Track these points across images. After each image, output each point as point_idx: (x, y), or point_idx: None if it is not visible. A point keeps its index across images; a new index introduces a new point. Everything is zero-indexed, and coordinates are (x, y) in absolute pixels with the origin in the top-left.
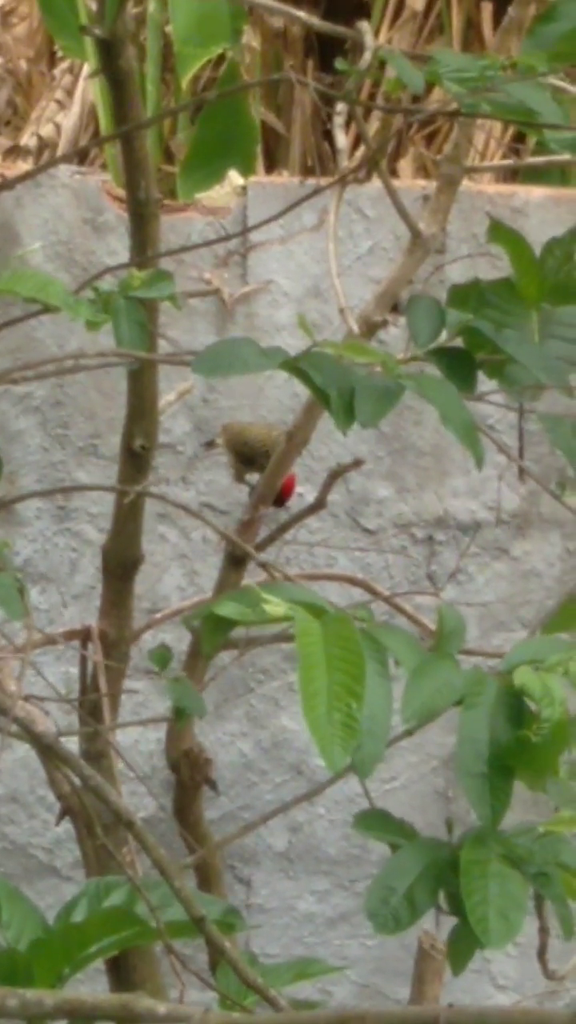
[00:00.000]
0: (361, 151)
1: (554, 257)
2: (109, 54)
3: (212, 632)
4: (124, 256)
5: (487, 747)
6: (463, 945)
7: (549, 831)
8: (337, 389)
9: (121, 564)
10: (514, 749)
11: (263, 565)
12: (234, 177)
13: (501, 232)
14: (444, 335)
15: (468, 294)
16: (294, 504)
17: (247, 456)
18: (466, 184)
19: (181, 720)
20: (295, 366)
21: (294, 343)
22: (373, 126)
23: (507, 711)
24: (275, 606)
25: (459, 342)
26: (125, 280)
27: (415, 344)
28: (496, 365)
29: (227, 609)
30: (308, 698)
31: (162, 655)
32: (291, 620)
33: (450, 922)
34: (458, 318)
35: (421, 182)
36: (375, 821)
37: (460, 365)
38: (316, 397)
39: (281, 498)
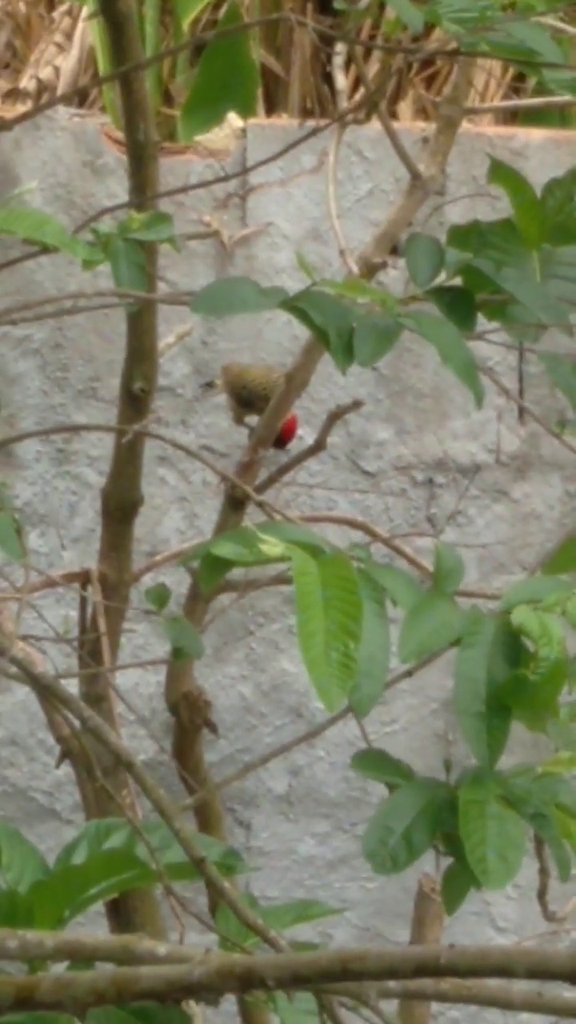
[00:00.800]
0: (361, 92)
1: (554, 197)
2: None
3: (209, 572)
4: (123, 198)
5: (484, 686)
6: (457, 885)
7: (547, 772)
8: (336, 328)
9: (121, 507)
10: (512, 688)
11: (261, 505)
12: (233, 119)
13: (502, 172)
14: (443, 275)
15: (468, 235)
16: (294, 447)
17: (246, 398)
18: (466, 126)
19: (180, 660)
20: (294, 305)
21: (293, 285)
22: (373, 67)
23: (505, 650)
24: (272, 546)
25: (458, 282)
26: (124, 222)
27: (414, 284)
28: (496, 306)
29: (224, 549)
30: (305, 638)
31: (160, 594)
32: (288, 560)
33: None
34: (457, 257)
35: (421, 124)
36: (373, 761)
37: (459, 304)
38: (315, 336)
39: (283, 439)
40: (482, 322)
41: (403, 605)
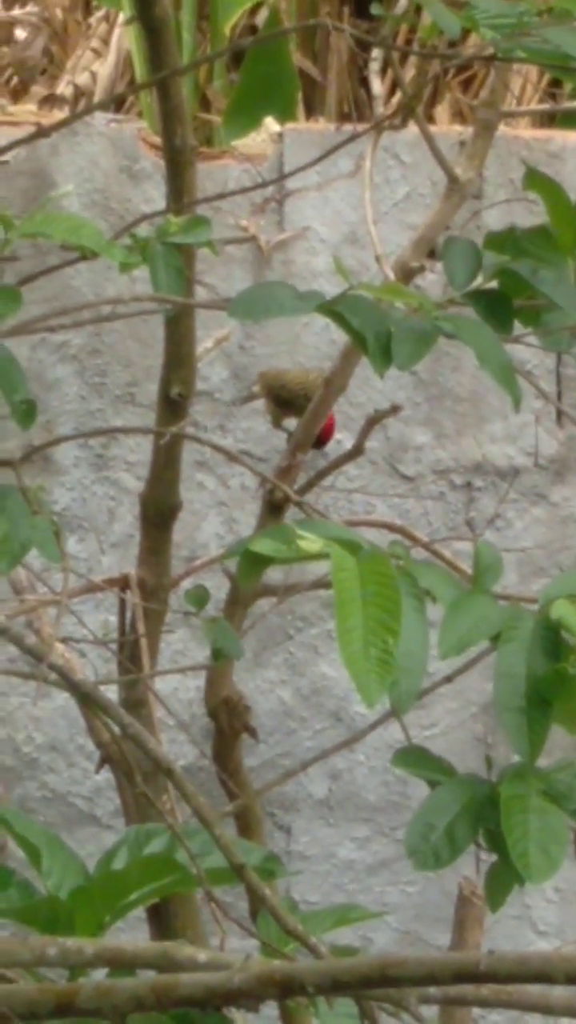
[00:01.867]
0: (397, 97)
1: None
2: (144, 2)
3: (248, 569)
4: (160, 204)
5: (524, 681)
6: (500, 883)
7: None
8: (374, 332)
9: (159, 512)
10: (552, 682)
11: (300, 505)
12: (270, 124)
13: (537, 179)
14: (480, 279)
15: (504, 241)
16: (332, 451)
17: (285, 399)
18: (503, 129)
19: (219, 661)
20: (332, 309)
21: (331, 289)
22: (409, 72)
23: (544, 645)
24: (311, 543)
25: (495, 285)
26: (162, 226)
27: (452, 286)
28: (532, 312)
29: (263, 545)
30: (344, 634)
31: (199, 596)
32: (327, 557)
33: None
34: (494, 261)
35: (457, 127)
36: (414, 758)
37: (497, 307)
38: (353, 340)
39: (321, 440)
40: (519, 325)
41: (442, 601)
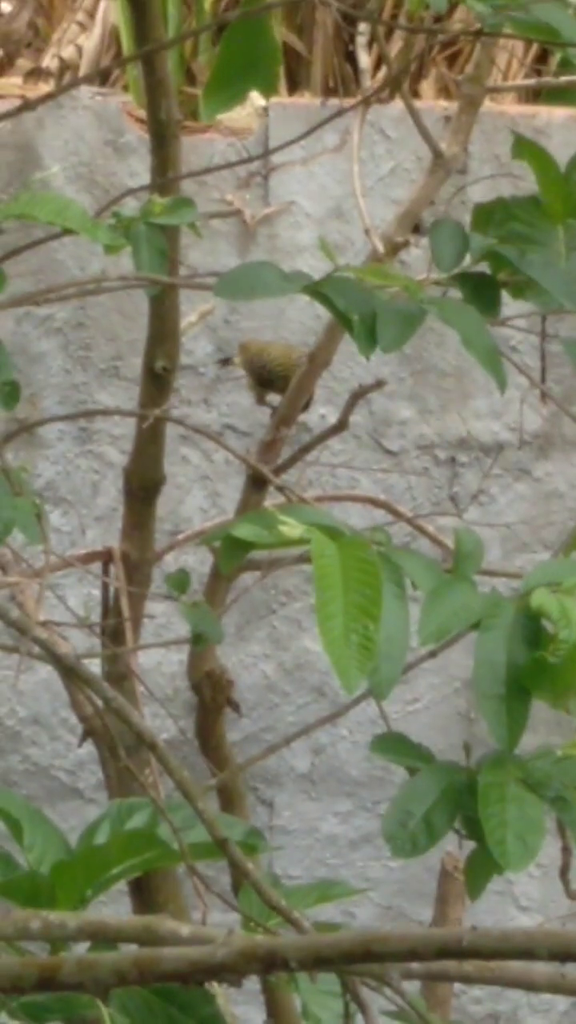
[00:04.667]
0: (383, 72)
1: None
2: None
3: (229, 554)
4: (145, 177)
5: (504, 669)
6: (480, 869)
7: (567, 755)
8: (359, 314)
9: (143, 486)
10: (531, 671)
11: (281, 489)
12: (255, 98)
13: (525, 147)
14: (467, 259)
15: (492, 212)
16: (317, 425)
17: (265, 379)
18: (488, 105)
19: (199, 645)
20: (317, 291)
21: (316, 264)
22: (395, 46)
23: (524, 633)
24: (292, 528)
25: (483, 267)
26: (146, 206)
27: (438, 268)
28: (520, 285)
29: (243, 531)
30: (324, 620)
31: (180, 579)
32: (308, 543)
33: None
34: (482, 242)
35: (443, 103)
36: (392, 744)
37: (484, 290)
38: (338, 322)
39: (305, 403)
40: (506, 303)
41: (423, 587)
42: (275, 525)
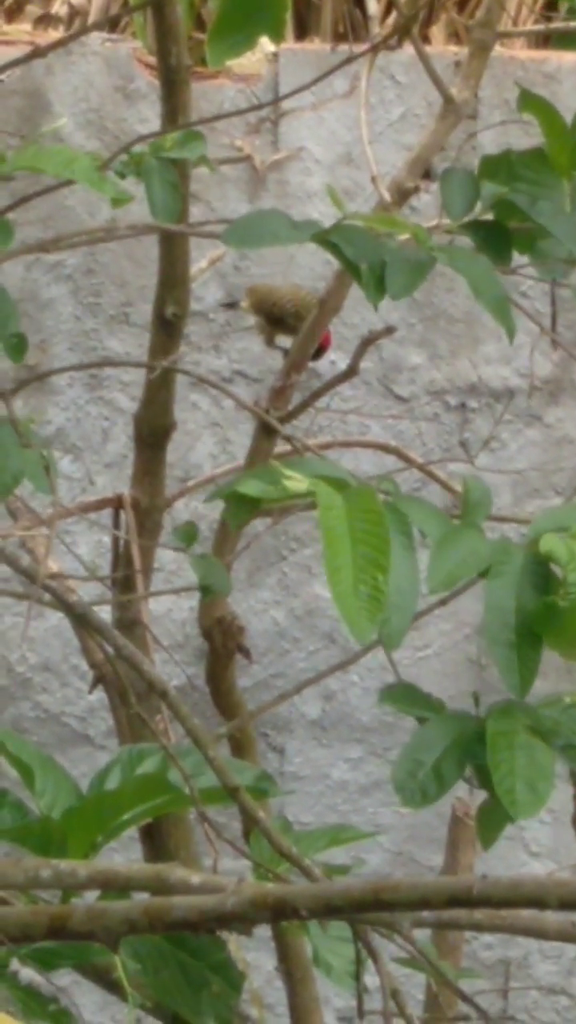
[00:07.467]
0: (393, 17)
1: None
2: None
3: (236, 510)
4: (155, 124)
5: (514, 615)
6: (493, 819)
7: None
8: (368, 262)
9: (153, 432)
10: (542, 616)
11: (287, 438)
12: (265, 44)
13: (531, 101)
14: (478, 207)
15: (499, 164)
16: (327, 372)
17: (276, 316)
18: (498, 50)
19: (207, 597)
20: (326, 239)
21: (326, 210)
22: None
23: (534, 578)
24: (297, 482)
25: (492, 216)
26: (157, 142)
27: (449, 217)
28: (526, 238)
29: (249, 487)
30: (333, 572)
31: (188, 531)
32: (313, 495)
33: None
34: (492, 191)
35: (453, 48)
36: (402, 694)
37: (494, 238)
38: (347, 270)
39: (318, 352)
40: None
41: (431, 536)
42: (280, 480)
